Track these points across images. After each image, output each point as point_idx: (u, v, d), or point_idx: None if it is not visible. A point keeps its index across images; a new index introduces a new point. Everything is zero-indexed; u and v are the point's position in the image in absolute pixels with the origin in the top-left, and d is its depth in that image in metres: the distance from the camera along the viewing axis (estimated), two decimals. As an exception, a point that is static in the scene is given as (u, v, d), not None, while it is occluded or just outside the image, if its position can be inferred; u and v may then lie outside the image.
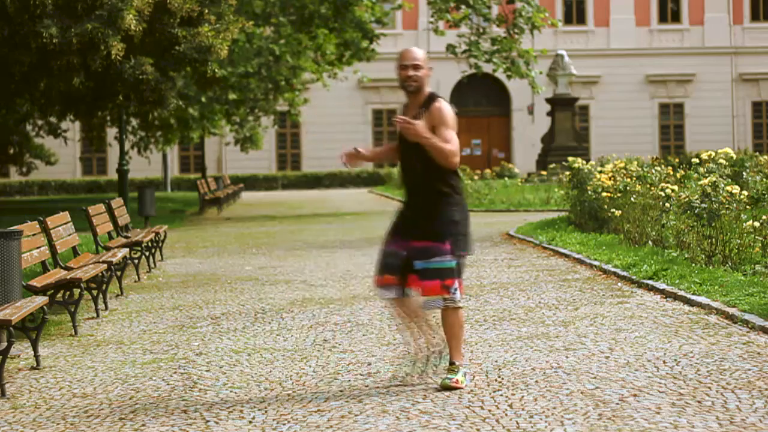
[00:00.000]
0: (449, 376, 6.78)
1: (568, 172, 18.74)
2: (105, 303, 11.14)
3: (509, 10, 32.05)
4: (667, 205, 13.64)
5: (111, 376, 7.63)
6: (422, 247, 6.77)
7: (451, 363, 6.86)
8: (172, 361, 8.10)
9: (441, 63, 51.66)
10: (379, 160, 7.43)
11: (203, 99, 32.74)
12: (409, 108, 6.94)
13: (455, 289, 6.77)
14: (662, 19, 54.15)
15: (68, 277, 9.92)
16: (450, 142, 6.76)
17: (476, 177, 35.87)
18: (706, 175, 14.28)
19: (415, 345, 7.08)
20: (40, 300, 8.15)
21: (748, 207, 12.94)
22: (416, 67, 6.83)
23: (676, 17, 54.29)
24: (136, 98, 22.73)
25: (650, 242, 14.14)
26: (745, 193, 12.34)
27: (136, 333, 9.55)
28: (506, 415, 6.10)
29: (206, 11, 21.84)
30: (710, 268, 11.55)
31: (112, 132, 42.48)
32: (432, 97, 6.89)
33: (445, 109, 6.84)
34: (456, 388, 6.71)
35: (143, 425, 6.18)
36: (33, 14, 19.88)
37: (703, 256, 12.11)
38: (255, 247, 18.40)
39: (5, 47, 20.29)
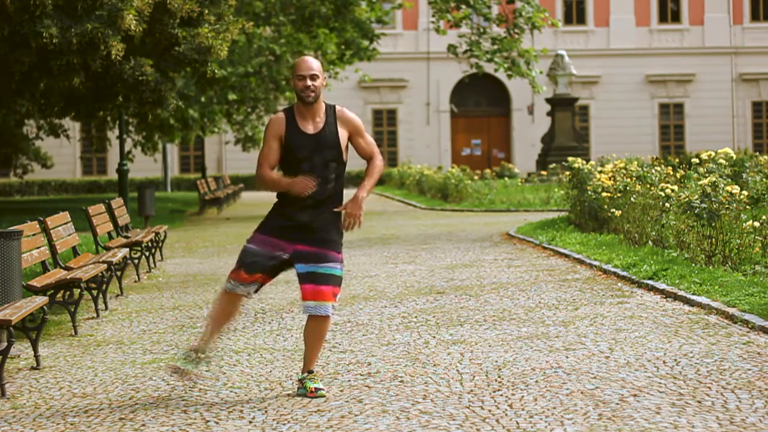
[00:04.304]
0: (317, 384, 6.75)
1: (568, 172, 18.73)
2: (105, 303, 11.14)
3: (509, 10, 32.05)
4: (667, 205, 13.64)
5: (111, 376, 7.63)
6: (312, 251, 6.74)
7: (311, 371, 6.84)
8: (172, 361, 8.09)
9: (441, 63, 51.77)
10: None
11: (203, 99, 32.74)
12: (306, 119, 6.77)
13: (338, 298, 6.84)
14: (662, 19, 54.14)
15: (68, 277, 9.92)
16: (374, 146, 7.02)
17: (476, 177, 35.86)
18: (706, 175, 14.27)
19: (213, 344, 6.96)
20: (40, 300, 8.15)
21: (748, 207, 12.93)
22: (314, 77, 6.71)
23: (676, 17, 54.28)
24: (135, 99, 22.72)
25: (650, 242, 14.13)
26: (745, 193, 12.33)
27: (136, 333, 9.55)
28: (506, 415, 6.09)
29: (206, 12, 21.84)
30: (710, 268, 11.55)
31: (113, 131, 42.47)
32: (332, 106, 6.88)
33: (356, 116, 7.01)
34: (320, 396, 6.70)
35: (143, 425, 6.18)
36: (33, 14, 19.86)
37: (703, 256, 12.10)
38: (255, 247, 18.36)
39: (5, 47, 20.28)
